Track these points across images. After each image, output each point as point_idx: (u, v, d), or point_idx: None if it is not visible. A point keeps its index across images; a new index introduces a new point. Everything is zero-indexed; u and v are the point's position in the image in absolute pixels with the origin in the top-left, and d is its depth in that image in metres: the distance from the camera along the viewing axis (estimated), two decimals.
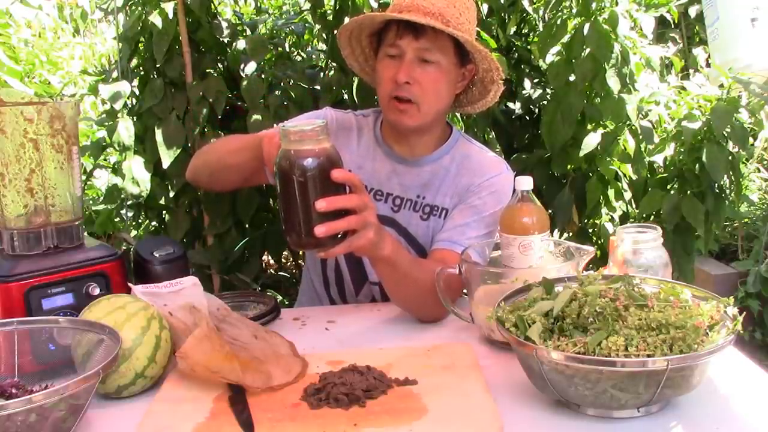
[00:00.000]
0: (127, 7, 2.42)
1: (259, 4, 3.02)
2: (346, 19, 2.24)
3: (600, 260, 2.17)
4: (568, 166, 2.44)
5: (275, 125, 1.20)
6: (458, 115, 2.28)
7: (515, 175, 1.35)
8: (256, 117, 2.22)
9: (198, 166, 1.59)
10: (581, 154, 2.31)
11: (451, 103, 1.53)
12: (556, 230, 2.49)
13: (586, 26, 2.24)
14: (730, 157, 2.24)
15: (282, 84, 2.37)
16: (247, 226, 2.41)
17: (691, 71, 3.25)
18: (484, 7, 2.54)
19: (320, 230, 1.10)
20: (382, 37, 1.48)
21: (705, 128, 2.27)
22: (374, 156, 1.58)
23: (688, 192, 2.30)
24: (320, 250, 1.17)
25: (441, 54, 1.42)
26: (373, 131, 1.60)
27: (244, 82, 2.24)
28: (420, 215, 1.55)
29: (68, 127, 1.25)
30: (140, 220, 2.66)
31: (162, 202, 2.36)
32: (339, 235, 1.14)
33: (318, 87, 2.40)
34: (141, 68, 2.39)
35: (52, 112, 1.22)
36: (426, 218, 1.55)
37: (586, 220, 2.53)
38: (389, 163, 1.57)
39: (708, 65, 3.13)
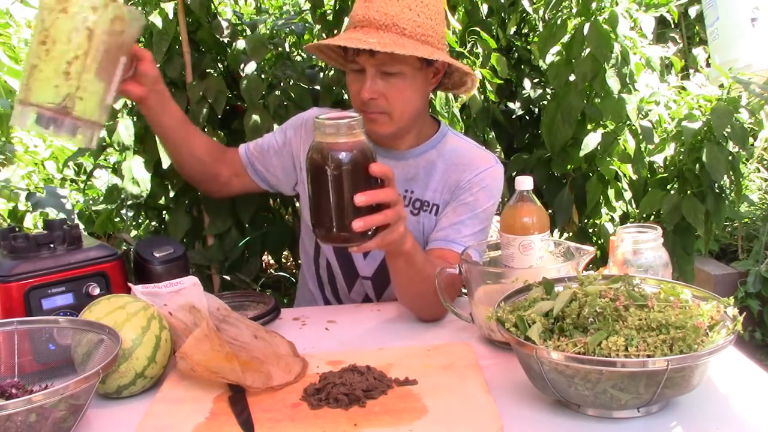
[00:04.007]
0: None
1: (259, 4, 3.02)
2: (346, 20, 2.24)
3: (600, 260, 2.17)
4: (568, 166, 2.44)
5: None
6: (458, 115, 2.28)
7: (515, 175, 1.35)
8: (256, 117, 2.22)
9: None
10: (581, 154, 2.30)
11: (428, 99, 1.53)
12: (556, 230, 2.49)
13: (586, 26, 2.23)
14: (730, 157, 2.24)
15: (282, 84, 2.37)
16: (247, 226, 2.41)
17: (691, 71, 3.25)
18: (484, 7, 2.54)
19: (358, 224, 1.10)
20: (346, 48, 1.45)
21: (705, 128, 2.27)
22: None
23: (688, 192, 2.30)
24: (352, 244, 1.15)
25: (402, 65, 1.39)
26: None
27: (244, 82, 2.23)
28: (410, 210, 1.55)
29: (126, 34, 1.25)
30: (140, 220, 2.66)
31: (162, 202, 2.36)
32: (356, 239, 1.13)
33: (318, 87, 2.39)
34: None
35: (117, 12, 1.22)
36: (416, 213, 1.54)
37: (586, 220, 2.53)
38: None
39: (708, 65, 3.13)
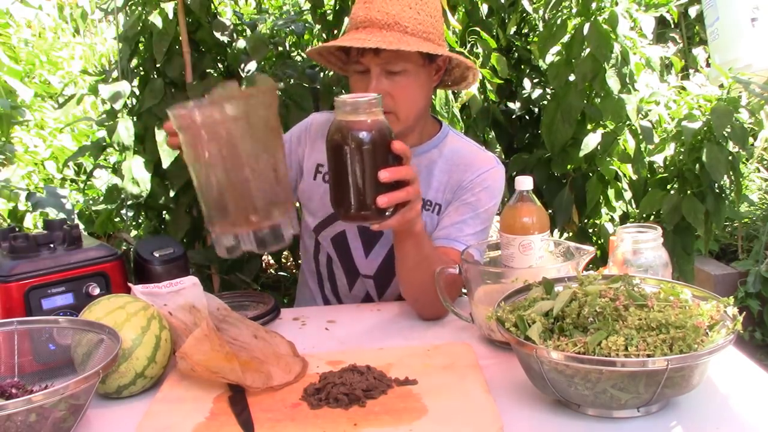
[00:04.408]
0: (127, 7, 2.42)
1: (259, 4, 3.02)
2: (346, 20, 2.24)
3: (600, 260, 2.17)
4: (568, 166, 2.44)
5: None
6: (458, 115, 2.28)
7: (515, 175, 1.35)
8: None
9: None
10: (581, 154, 2.31)
11: (430, 97, 1.54)
12: (556, 230, 2.50)
13: (586, 26, 2.24)
14: (730, 157, 2.24)
15: (282, 84, 2.37)
16: None
17: (691, 71, 3.25)
18: (484, 7, 2.54)
19: (383, 200, 1.12)
20: (348, 51, 1.46)
21: (705, 128, 2.27)
22: None
23: (688, 192, 2.30)
24: (375, 221, 1.17)
25: (406, 61, 1.40)
26: None
27: (244, 82, 2.24)
28: None
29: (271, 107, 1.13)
30: (140, 220, 2.66)
31: (162, 202, 2.36)
32: (388, 211, 1.15)
33: (318, 87, 2.39)
34: (141, 68, 2.39)
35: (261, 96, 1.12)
36: None
37: (586, 220, 2.53)
38: None
39: (708, 65, 3.13)
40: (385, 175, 1.11)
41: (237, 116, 1.07)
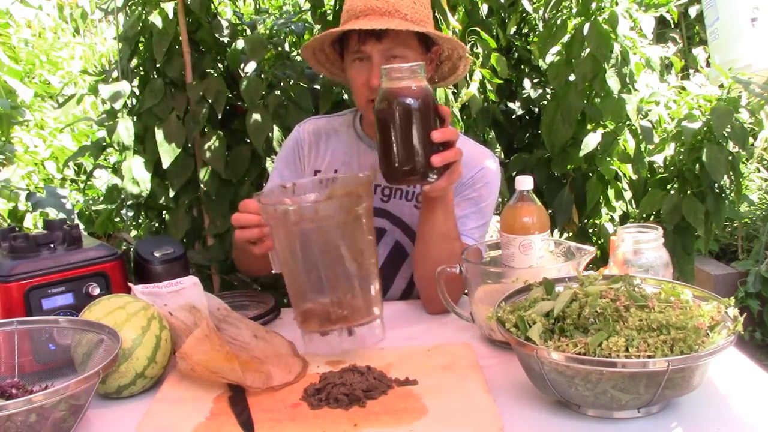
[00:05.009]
0: (127, 7, 2.42)
1: (258, 4, 3.01)
2: None
3: (600, 260, 2.17)
4: (568, 166, 2.44)
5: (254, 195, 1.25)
6: (458, 114, 2.28)
7: (515, 175, 1.36)
8: (256, 117, 2.22)
9: (235, 261, 1.69)
10: (581, 154, 2.31)
11: None
12: (556, 230, 2.49)
13: (586, 26, 2.23)
14: (730, 157, 2.24)
15: (282, 84, 2.37)
16: None
17: (691, 71, 3.25)
18: (484, 7, 2.54)
19: (437, 159, 1.20)
20: (344, 44, 1.50)
21: (705, 128, 2.27)
22: (358, 152, 1.61)
23: (688, 192, 2.30)
24: (428, 180, 1.24)
25: (406, 48, 1.44)
26: (352, 127, 1.64)
27: (244, 82, 2.23)
28: (414, 204, 1.57)
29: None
30: (140, 220, 2.66)
31: (162, 202, 2.36)
32: (431, 176, 1.22)
33: (318, 87, 2.39)
34: (141, 68, 2.38)
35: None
36: (420, 206, 1.56)
37: (586, 220, 2.53)
38: (374, 155, 1.58)
39: (708, 65, 3.13)
40: (437, 135, 1.19)
41: (330, 216, 1.13)
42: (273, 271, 1.26)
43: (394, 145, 1.20)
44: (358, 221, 1.14)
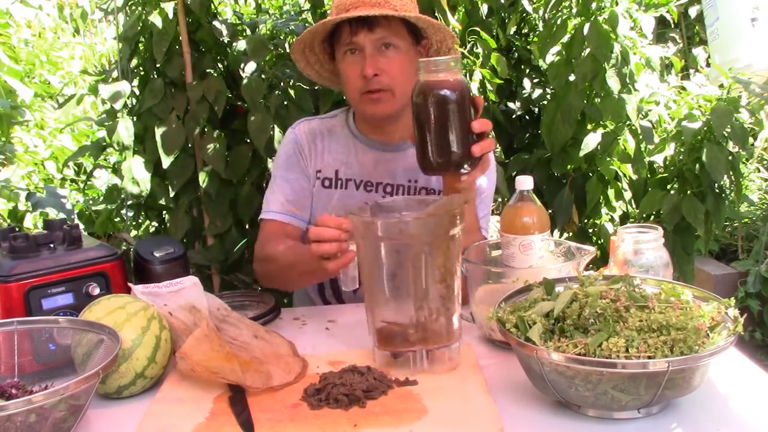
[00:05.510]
0: (127, 7, 2.42)
1: (259, 4, 3.01)
2: None
3: (600, 260, 2.17)
4: (568, 166, 2.43)
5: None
6: None
7: (515, 175, 1.37)
8: (257, 117, 2.22)
9: (266, 276, 1.62)
10: (581, 154, 2.30)
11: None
12: (556, 230, 2.49)
13: (586, 26, 2.23)
14: (730, 157, 2.24)
15: (282, 84, 2.37)
16: (247, 226, 2.41)
17: (691, 71, 3.25)
18: (484, 7, 2.54)
19: (477, 149, 1.23)
20: (336, 39, 1.51)
21: (705, 128, 2.27)
22: (355, 150, 1.61)
23: (688, 192, 2.30)
24: (467, 169, 1.27)
25: (398, 38, 1.46)
26: (347, 127, 1.64)
27: (244, 82, 2.23)
28: None
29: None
30: (140, 220, 2.66)
31: (162, 202, 2.36)
32: (466, 167, 1.25)
33: (318, 87, 2.39)
34: (141, 68, 2.38)
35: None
36: None
37: (586, 220, 2.52)
38: (371, 153, 1.59)
39: (708, 65, 3.13)
40: (477, 126, 1.23)
41: (419, 234, 1.12)
42: (344, 290, 1.28)
43: (433, 136, 1.22)
44: (451, 242, 1.14)
